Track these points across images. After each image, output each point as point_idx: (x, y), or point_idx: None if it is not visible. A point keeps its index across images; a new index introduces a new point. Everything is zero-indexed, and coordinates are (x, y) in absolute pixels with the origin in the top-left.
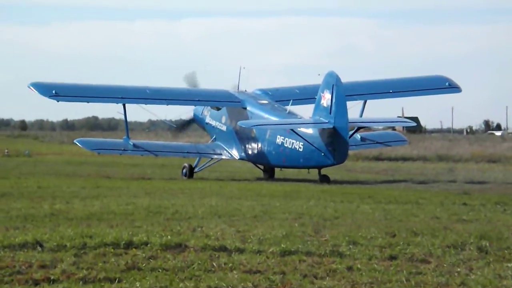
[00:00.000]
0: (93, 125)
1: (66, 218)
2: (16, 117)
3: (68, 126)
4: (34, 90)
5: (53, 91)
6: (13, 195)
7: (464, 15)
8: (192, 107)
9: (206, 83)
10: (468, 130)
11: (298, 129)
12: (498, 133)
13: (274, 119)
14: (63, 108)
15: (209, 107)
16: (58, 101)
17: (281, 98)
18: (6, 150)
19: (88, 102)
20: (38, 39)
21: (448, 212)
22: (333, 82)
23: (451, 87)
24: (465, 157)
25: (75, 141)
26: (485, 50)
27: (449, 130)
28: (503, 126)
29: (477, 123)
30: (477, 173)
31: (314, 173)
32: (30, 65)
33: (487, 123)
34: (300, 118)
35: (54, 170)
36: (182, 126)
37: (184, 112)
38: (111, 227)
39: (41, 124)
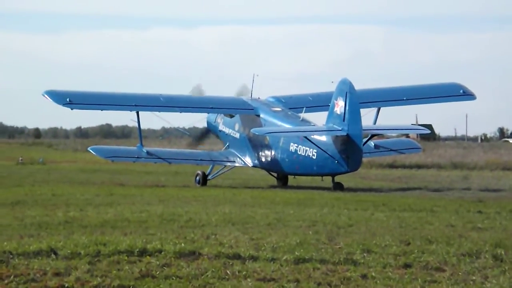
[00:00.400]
0: (106, 132)
1: (80, 226)
2: (30, 125)
3: (82, 133)
4: (48, 98)
5: (67, 99)
6: (27, 203)
7: (479, 22)
8: (206, 114)
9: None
10: (483, 138)
11: (312, 136)
12: None
13: (287, 126)
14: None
15: (222, 115)
16: (72, 109)
17: (295, 105)
18: (20, 158)
19: (102, 110)
20: (52, 47)
21: (463, 220)
22: (346, 89)
23: (465, 95)
24: (480, 164)
25: (89, 148)
26: (500, 57)
27: (463, 138)
28: None
29: (491, 131)
30: (492, 180)
31: (327, 181)
32: (44, 73)
33: (501, 131)
34: (313, 125)
35: (68, 178)
36: (199, 138)
37: (197, 120)
38: (125, 235)
39: (55, 132)
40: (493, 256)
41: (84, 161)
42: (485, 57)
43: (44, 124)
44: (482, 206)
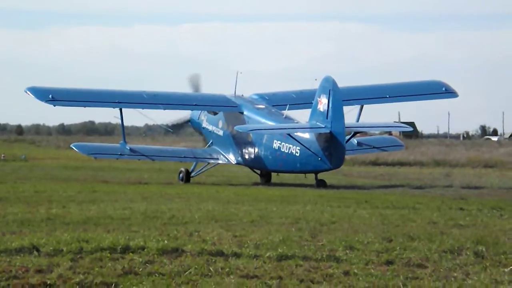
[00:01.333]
0: (89, 129)
1: (62, 223)
2: (13, 121)
3: (64, 130)
4: (31, 94)
5: (50, 96)
6: (9, 200)
7: (461, 21)
8: (189, 111)
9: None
10: (465, 135)
11: (295, 133)
12: (494, 138)
13: (270, 123)
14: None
15: (206, 112)
16: (54, 106)
17: (278, 102)
18: (2, 155)
19: (84, 106)
20: (35, 43)
21: (444, 217)
22: (329, 87)
23: (447, 92)
24: (462, 162)
25: (71, 145)
26: (482, 55)
27: (445, 135)
28: (499, 131)
29: (473, 128)
30: (474, 178)
31: (311, 178)
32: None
33: (483, 128)
34: (296, 122)
35: (50, 175)
36: (177, 126)
37: (181, 116)
38: (108, 232)
39: (37, 129)
40: (474, 253)
41: (67, 158)
42: (468, 55)
43: (26, 121)
44: (464, 203)
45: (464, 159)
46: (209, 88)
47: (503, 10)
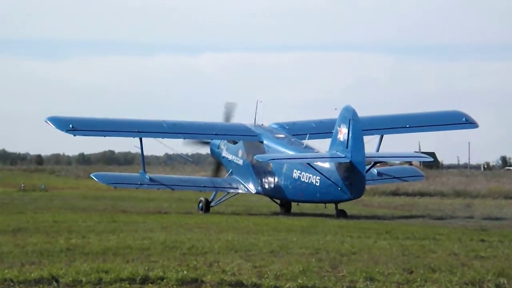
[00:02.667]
0: (109, 159)
1: (82, 253)
2: (33, 151)
3: (84, 160)
4: (51, 124)
5: (70, 125)
6: (29, 230)
7: (482, 51)
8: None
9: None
10: (485, 166)
11: (315, 163)
12: None
13: (290, 153)
14: (79, 142)
15: (225, 141)
16: (74, 136)
17: (298, 132)
18: (22, 185)
19: (104, 136)
20: (56, 73)
21: (465, 249)
22: (349, 116)
23: (468, 123)
24: (482, 193)
25: (91, 175)
26: (502, 86)
27: (466, 166)
28: None
29: (494, 159)
30: (495, 209)
31: (331, 208)
32: (47, 99)
33: (504, 159)
34: (317, 152)
35: (70, 205)
36: (217, 169)
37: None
38: (127, 262)
39: (57, 158)
40: (495, 285)
41: (87, 187)
42: (488, 86)
43: (46, 151)
44: (485, 234)
45: (485, 190)
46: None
47: None
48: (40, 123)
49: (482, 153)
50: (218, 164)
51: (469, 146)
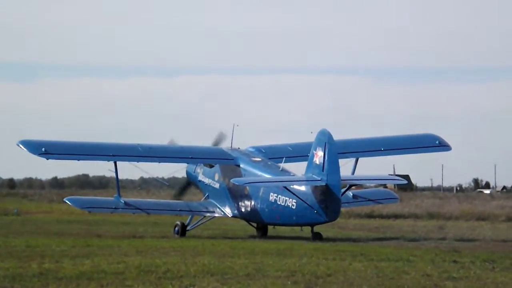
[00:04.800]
0: (83, 183)
1: (55, 278)
2: (4, 175)
3: (57, 184)
4: (23, 147)
5: (43, 149)
6: (0, 255)
7: (454, 74)
8: (185, 164)
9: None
10: (458, 188)
11: (291, 186)
12: (487, 191)
13: (267, 176)
14: (52, 165)
15: (201, 165)
16: (47, 159)
17: (274, 155)
18: None
19: (78, 160)
20: (26, 96)
21: (438, 270)
22: (325, 140)
23: (441, 145)
24: (455, 214)
25: (65, 199)
26: (474, 109)
27: (439, 188)
28: (491, 184)
29: (466, 181)
30: (467, 230)
31: (307, 231)
32: (18, 122)
33: (476, 181)
34: (293, 175)
35: (43, 229)
36: (182, 190)
37: (176, 170)
38: (102, 287)
39: (30, 182)
40: None
41: (60, 212)
42: (460, 109)
43: (18, 174)
44: (457, 256)
45: (458, 211)
46: (205, 141)
47: (496, 65)
48: (12, 146)
49: (455, 175)
50: (185, 186)
51: (442, 168)
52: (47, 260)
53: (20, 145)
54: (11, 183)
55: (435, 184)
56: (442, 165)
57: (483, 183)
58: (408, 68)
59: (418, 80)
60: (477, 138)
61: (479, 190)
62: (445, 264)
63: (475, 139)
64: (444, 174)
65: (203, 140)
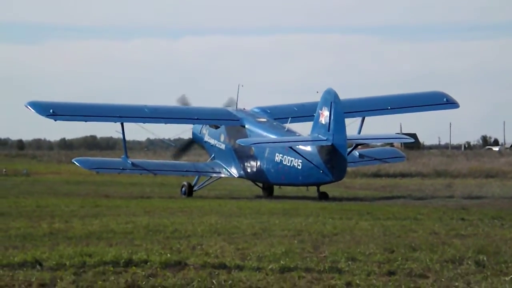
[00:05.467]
0: (91, 144)
1: (65, 237)
2: (13, 136)
3: (66, 145)
4: (31, 109)
5: (51, 110)
6: (11, 215)
7: (462, 31)
8: (191, 125)
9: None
10: (466, 146)
11: (297, 146)
12: (495, 148)
13: (272, 137)
14: (60, 127)
15: (207, 126)
16: (55, 120)
17: (280, 115)
18: (4, 170)
19: (86, 121)
20: (35, 57)
21: (446, 228)
22: (331, 99)
23: (449, 103)
24: (463, 172)
25: (73, 160)
26: (482, 65)
27: (447, 146)
28: (500, 141)
29: (474, 139)
30: (475, 188)
31: (313, 191)
32: (27, 84)
33: (484, 139)
34: (298, 135)
35: (52, 190)
36: (183, 148)
37: (183, 130)
38: (111, 246)
39: (38, 144)
40: (475, 262)
41: (69, 172)
42: (469, 66)
43: (27, 136)
44: (465, 213)
45: (466, 169)
46: (211, 101)
47: (503, 20)
48: (20, 108)
49: (463, 133)
50: (186, 145)
51: (450, 126)
52: (57, 220)
53: (28, 107)
54: (20, 144)
55: (442, 142)
56: (450, 123)
57: (492, 140)
58: (415, 26)
59: (425, 37)
60: (486, 95)
61: (487, 147)
62: (453, 222)
63: (483, 96)
64: (452, 132)
65: (209, 101)
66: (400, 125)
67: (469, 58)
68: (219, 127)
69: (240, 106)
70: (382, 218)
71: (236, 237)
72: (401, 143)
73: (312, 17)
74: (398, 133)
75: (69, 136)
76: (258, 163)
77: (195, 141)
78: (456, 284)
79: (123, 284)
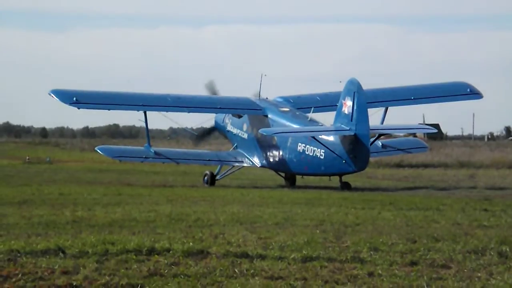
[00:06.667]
0: (114, 132)
1: (88, 225)
2: (37, 124)
3: (89, 133)
4: (55, 97)
5: (74, 98)
6: (34, 202)
7: (487, 21)
8: (213, 114)
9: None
10: (489, 137)
11: (320, 136)
12: None
13: (295, 126)
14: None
15: (230, 115)
16: (79, 109)
17: (303, 105)
18: (27, 157)
19: (109, 109)
20: (59, 46)
21: (469, 218)
22: (354, 89)
23: (472, 94)
24: (486, 163)
25: (96, 148)
26: (506, 56)
27: (470, 137)
28: None
29: (498, 129)
30: (498, 179)
31: (335, 180)
32: (51, 72)
33: (508, 129)
34: (321, 125)
35: (75, 178)
36: (203, 134)
37: (205, 119)
38: (133, 234)
39: (61, 132)
40: (498, 253)
41: (92, 160)
42: (492, 56)
43: (50, 124)
44: (488, 204)
45: (489, 160)
46: (233, 91)
47: None
48: (44, 96)
49: (487, 123)
50: (207, 132)
51: (473, 117)
52: (79, 208)
53: (52, 95)
54: (43, 132)
55: (465, 133)
56: (473, 114)
57: None
58: (439, 16)
59: (448, 28)
60: (510, 86)
61: (511, 138)
62: (476, 213)
63: (507, 86)
64: (475, 123)
65: (231, 90)
66: (423, 116)
67: (493, 49)
68: (241, 117)
69: (263, 95)
70: (405, 209)
71: (258, 227)
72: (424, 134)
73: (337, 6)
74: (421, 124)
75: (92, 124)
76: (281, 153)
77: (217, 130)
78: (479, 275)
79: (146, 272)
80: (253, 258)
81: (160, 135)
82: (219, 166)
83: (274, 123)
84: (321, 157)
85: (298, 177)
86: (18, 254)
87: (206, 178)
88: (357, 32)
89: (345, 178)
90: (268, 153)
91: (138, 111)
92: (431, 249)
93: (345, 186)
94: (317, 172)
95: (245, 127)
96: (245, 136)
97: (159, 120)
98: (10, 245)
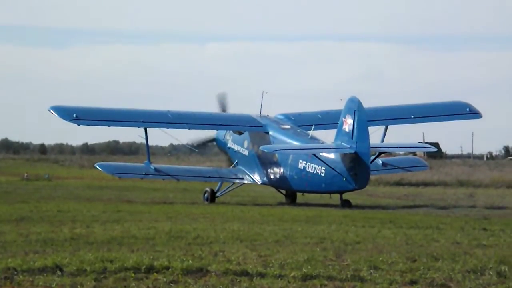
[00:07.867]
0: (114, 149)
1: (86, 242)
2: (36, 140)
3: (88, 150)
4: (55, 113)
5: (74, 115)
6: (32, 219)
7: (486, 41)
8: (214, 131)
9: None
10: (488, 156)
11: (320, 154)
12: None
13: (296, 144)
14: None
15: (231, 132)
16: (78, 125)
17: (304, 123)
18: (25, 174)
19: (109, 126)
20: (58, 62)
21: (468, 237)
22: (355, 107)
23: (471, 113)
24: (485, 182)
25: (95, 165)
26: (506, 76)
27: (469, 156)
28: None
29: (497, 149)
30: (497, 198)
31: (336, 198)
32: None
33: (506, 149)
34: (322, 143)
35: (74, 194)
36: (203, 143)
37: (205, 136)
38: (132, 252)
39: (60, 148)
40: (497, 272)
41: (91, 177)
42: (491, 76)
43: (50, 140)
44: (487, 223)
45: (488, 179)
46: (234, 107)
47: None
48: (43, 112)
49: (486, 143)
50: (207, 141)
51: (472, 136)
52: (78, 225)
53: (52, 111)
54: (42, 149)
55: (465, 152)
56: (473, 133)
57: None
58: (438, 36)
59: (448, 47)
60: (508, 105)
61: (510, 157)
62: (475, 232)
63: (506, 106)
64: (474, 142)
65: (233, 107)
66: (423, 134)
67: (493, 69)
68: (242, 133)
69: (264, 112)
70: (405, 227)
71: (258, 244)
72: (424, 152)
73: (337, 25)
74: (421, 142)
75: (92, 141)
76: (282, 170)
77: (218, 147)
78: None
79: None
80: (253, 276)
81: (161, 151)
82: (219, 183)
83: (275, 140)
84: (322, 174)
85: (298, 195)
86: (15, 272)
87: (206, 195)
88: (357, 50)
89: (345, 195)
90: (269, 170)
91: (138, 127)
92: (430, 268)
93: (346, 204)
94: (317, 189)
95: (246, 144)
96: (246, 153)
97: (160, 137)
98: (7, 263)
